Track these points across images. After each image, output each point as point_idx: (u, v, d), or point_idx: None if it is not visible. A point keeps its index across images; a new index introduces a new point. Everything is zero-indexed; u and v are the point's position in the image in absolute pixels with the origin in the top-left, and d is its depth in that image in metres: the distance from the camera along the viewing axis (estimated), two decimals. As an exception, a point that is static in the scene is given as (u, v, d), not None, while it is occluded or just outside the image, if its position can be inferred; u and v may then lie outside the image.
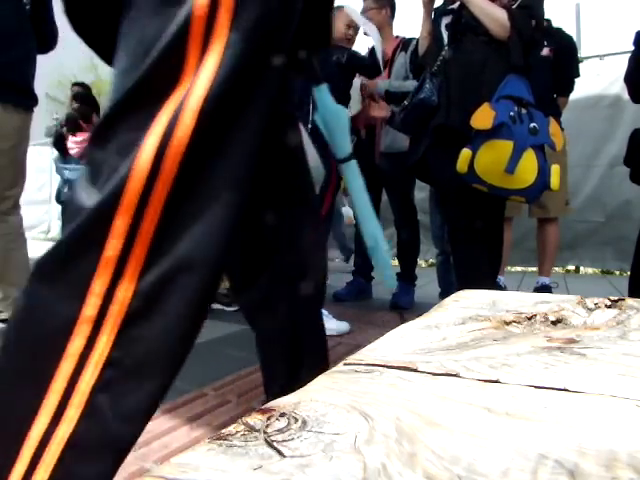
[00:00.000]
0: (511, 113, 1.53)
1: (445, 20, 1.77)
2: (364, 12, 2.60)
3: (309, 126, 1.85)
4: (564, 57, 2.55)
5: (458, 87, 1.67)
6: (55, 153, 3.30)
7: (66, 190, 3.11)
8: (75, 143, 3.07)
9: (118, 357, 0.42)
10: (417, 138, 1.88)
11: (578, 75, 2.71)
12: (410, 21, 2.08)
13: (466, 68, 1.66)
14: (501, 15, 1.61)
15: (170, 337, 0.44)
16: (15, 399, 0.43)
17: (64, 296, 0.42)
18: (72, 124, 3.12)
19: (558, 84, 2.58)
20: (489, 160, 1.53)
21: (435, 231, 2.70)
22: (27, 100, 1.94)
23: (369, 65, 2.37)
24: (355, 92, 2.52)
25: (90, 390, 0.42)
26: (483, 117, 1.53)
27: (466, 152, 1.54)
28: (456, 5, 1.73)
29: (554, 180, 1.56)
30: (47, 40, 2.07)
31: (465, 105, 1.62)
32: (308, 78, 1.29)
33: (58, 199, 4.34)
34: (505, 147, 1.52)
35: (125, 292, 0.42)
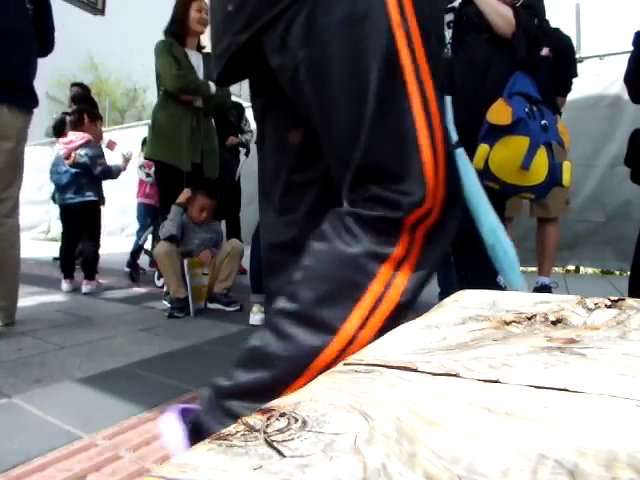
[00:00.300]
0: (525, 109, 1.53)
1: (446, 18, 1.76)
2: None
3: None
4: (562, 57, 2.55)
5: (462, 84, 1.65)
6: (54, 154, 3.29)
7: (57, 195, 3.12)
8: (64, 144, 3.08)
9: (407, 289, 0.61)
10: None
11: (576, 75, 2.71)
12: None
13: (470, 66, 1.66)
14: (508, 12, 1.61)
15: (428, 279, 0.66)
16: (335, 300, 0.62)
17: (381, 242, 0.61)
18: (76, 116, 3.14)
19: (557, 84, 2.58)
20: (505, 156, 1.51)
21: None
22: (29, 101, 1.95)
23: None
24: None
25: (392, 307, 0.61)
26: (500, 113, 1.52)
27: (484, 147, 1.52)
28: (456, 3, 1.73)
29: (566, 177, 1.55)
30: (46, 43, 2.09)
31: (470, 102, 1.61)
32: None
33: (54, 199, 4.34)
34: (522, 143, 1.50)
35: (417, 241, 0.62)
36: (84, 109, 3.23)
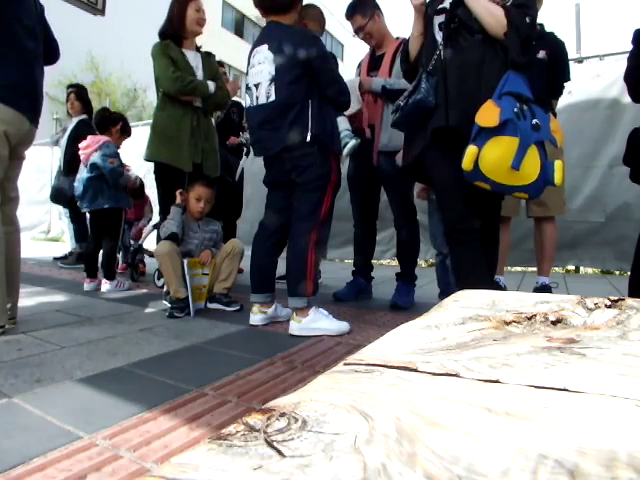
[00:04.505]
0: (515, 109, 1.53)
1: (438, 19, 1.75)
2: (357, 32, 2.60)
3: None
4: (556, 61, 2.55)
5: (456, 87, 1.65)
6: (56, 156, 3.30)
7: (79, 202, 3.17)
8: (82, 149, 3.12)
9: None
10: (409, 139, 1.87)
11: (568, 79, 2.71)
12: (409, 21, 2.07)
13: (463, 67, 1.65)
14: (499, 12, 1.61)
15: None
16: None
17: None
18: (100, 119, 3.28)
19: (549, 87, 2.58)
20: (494, 156, 1.51)
21: (432, 231, 2.69)
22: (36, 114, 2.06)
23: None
24: (353, 91, 2.51)
25: None
26: (488, 114, 1.51)
27: (473, 149, 1.52)
28: (447, 4, 1.72)
29: (558, 175, 1.55)
30: (54, 54, 2.19)
31: (464, 104, 1.61)
32: None
33: (54, 199, 4.34)
34: (511, 143, 1.50)
35: None
36: (124, 119, 3.35)
